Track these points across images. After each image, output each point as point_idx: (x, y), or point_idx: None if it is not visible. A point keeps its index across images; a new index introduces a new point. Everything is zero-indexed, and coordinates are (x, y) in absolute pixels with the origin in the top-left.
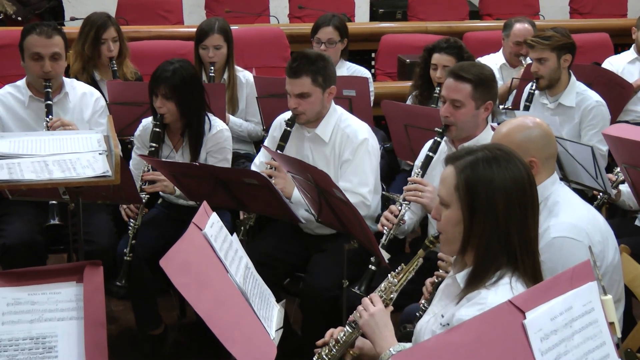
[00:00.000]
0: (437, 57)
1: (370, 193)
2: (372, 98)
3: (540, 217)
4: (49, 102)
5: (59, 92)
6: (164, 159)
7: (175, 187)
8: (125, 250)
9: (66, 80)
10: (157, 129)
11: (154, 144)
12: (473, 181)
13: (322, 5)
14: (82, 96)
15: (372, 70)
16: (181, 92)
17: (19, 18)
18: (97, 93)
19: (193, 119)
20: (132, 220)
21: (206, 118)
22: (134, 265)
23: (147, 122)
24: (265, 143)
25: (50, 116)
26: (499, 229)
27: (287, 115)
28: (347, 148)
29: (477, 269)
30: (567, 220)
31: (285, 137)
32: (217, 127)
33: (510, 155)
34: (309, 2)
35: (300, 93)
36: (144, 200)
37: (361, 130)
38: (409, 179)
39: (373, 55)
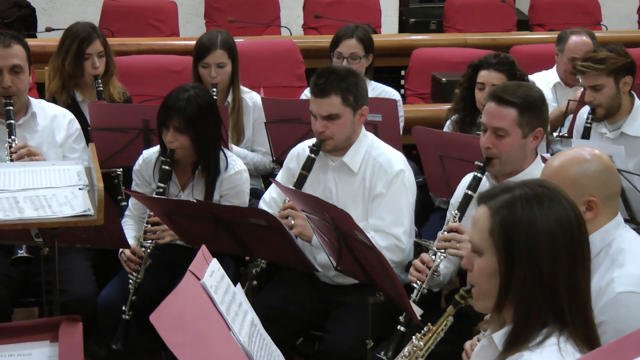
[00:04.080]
0: (484, 75)
1: (405, 234)
2: (401, 124)
3: (602, 268)
4: (10, 121)
5: (25, 113)
6: (158, 196)
7: None
8: (123, 309)
9: (33, 100)
10: (167, 167)
11: (162, 185)
12: (510, 224)
13: (342, 14)
14: (52, 118)
15: (402, 91)
16: (197, 124)
17: None
18: (70, 115)
19: (209, 154)
20: (133, 274)
21: (221, 154)
22: (117, 320)
23: (150, 154)
24: (279, 176)
25: (12, 137)
26: (542, 280)
27: (308, 143)
28: (379, 180)
29: (518, 328)
30: (635, 271)
31: (308, 165)
32: (235, 168)
33: (554, 192)
34: (327, 10)
35: (328, 115)
36: (148, 250)
37: (396, 160)
38: (445, 227)
39: (402, 73)
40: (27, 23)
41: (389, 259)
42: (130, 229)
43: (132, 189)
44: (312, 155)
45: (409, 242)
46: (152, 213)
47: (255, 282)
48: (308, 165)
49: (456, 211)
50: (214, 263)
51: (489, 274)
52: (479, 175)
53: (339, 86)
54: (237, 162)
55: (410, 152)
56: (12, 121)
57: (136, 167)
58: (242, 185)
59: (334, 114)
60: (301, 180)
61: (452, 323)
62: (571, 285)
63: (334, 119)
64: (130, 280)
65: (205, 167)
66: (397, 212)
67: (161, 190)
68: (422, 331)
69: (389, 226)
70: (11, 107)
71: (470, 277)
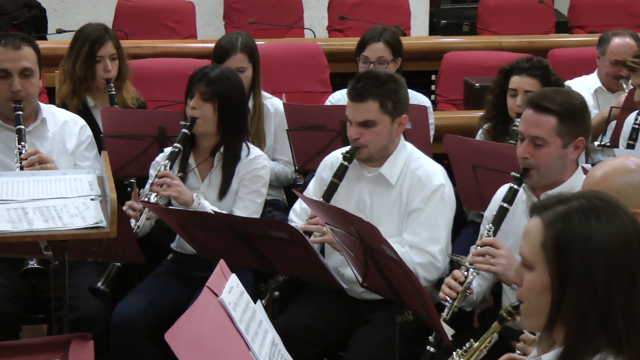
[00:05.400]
0: (516, 81)
1: (441, 253)
2: (431, 132)
3: None
4: (20, 126)
5: (34, 119)
6: (173, 207)
7: (194, 198)
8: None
9: (43, 105)
10: (186, 130)
11: (178, 145)
12: (565, 238)
13: (369, 16)
14: (63, 124)
15: (432, 97)
16: (224, 98)
17: None
18: (81, 121)
19: (231, 136)
20: (132, 221)
21: (243, 144)
22: (132, 338)
23: (169, 150)
24: (311, 186)
25: (22, 143)
26: (597, 299)
27: (342, 151)
28: (417, 194)
29: (570, 351)
30: None
31: (340, 173)
32: (256, 153)
33: (613, 206)
34: (353, 11)
35: (364, 121)
36: (152, 200)
37: (436, 174)
38: (478, 242)
39: (433, 77)
40: (37, 24)
41: (423, 277)
42: None
43: (147, 183)
44: (345, 163)
45: (445, 260)
46: (161, 168)
47: (276, 294)
48: (340, 173)
49: (490, 225)
50: (233, 278)
51: (540, 290)
52: (516, 186)
53: (377, 92)
54: (258, 150)
55: (441, 162)
56: (22, 126)
57: (155, 160)
58: (261, 170)
59: (370, 121)
60: (332, 188)
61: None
62: (628, 307)
63: (370, 126)
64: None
65: (227, 150)
66: (433, 229)
67: (176, 149)
68: (464, 347)
69: (424, 243)
70: (21, 112)
71: (519, 292)
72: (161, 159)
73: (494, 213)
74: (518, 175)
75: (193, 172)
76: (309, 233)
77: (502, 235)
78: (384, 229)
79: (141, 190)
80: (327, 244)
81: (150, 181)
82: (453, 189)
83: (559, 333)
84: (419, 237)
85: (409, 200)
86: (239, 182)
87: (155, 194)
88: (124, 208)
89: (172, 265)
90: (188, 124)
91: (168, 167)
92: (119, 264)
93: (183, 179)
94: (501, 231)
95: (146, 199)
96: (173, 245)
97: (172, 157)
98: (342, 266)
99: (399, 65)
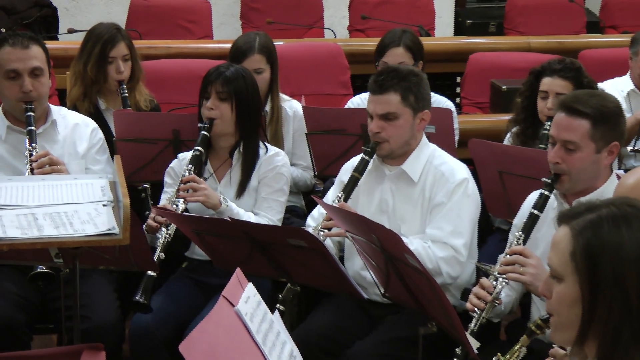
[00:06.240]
0: (548, 83)
1: (465, 247)
2: (456, 136)
3: None
4: (30, 127)
5: (44, 121)
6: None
7: (221, 201)
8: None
9: (53, 107)
10: (206, 133)
11: (199, 148)
12: (595, 247)
13: (391, 15)
14: (74, 127)
15: (457, 100)
16: (241, 96)
17: (2, 29)
18: (92, 123)
19: (249, 134)
20: (163, 230)
21: (260, 143)
22: (150, 348)
23: (185, 155)
24: (331, 191)
25: (33, 144)
26: (630, 312)
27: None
28: (440, 189)
29: None
30: None
31: (361, 168)
32: (274, 150)
33: None
34: (375, 10)
35: (385, 113)
36: (180, 207)
37: (459, 170)
38: (507, 250)
39: (458, 79)
40: (47, 24)
41: (446, 272)
42: None
43: (162, 192)
44: (366, 157)
45: (470, 263)
46: (185, 173)
47: (294, 303)
48: (361, 168)
49: (520, 232)
50: (250, 288)
51: (570, 303)
52: (547, 193)
53: (399, 84)
54: (276, 148)
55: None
56: (33, 128)
57: (170, 167)
58: (282, 167)
59: (392, 113)
60: (352, 183)
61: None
62: None
63: (391, 119)
64: (159, 236)
65: (246, 148)
66: (457, 222)
67: (197, 153)
68: None
69: (447, 236)
70: (32, 113)
71: (548, 305)
72: (176, 165)
73: (524, 220)
74: (549, 181)
75: (207, 170)
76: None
77: (532, 243)
78: (407, 228)
79: (168, 199)
80: (346, 247)
81: (165, 189)
82: (479, 193)
83: (591, 347)
84: (442, 231)
85: (431, 195)
86: (259, 180)
87: (183, 200)
88: (149, 222)
89: (187, 273)
90: (207, 125)
91: (192, 172)
92: (153, 273)
93: (201, 156)
94: (531, 239)
95: (174, 207)
96: (187, 253)
97: (195, 161)
98: (363, 270)
99: (420, 68)
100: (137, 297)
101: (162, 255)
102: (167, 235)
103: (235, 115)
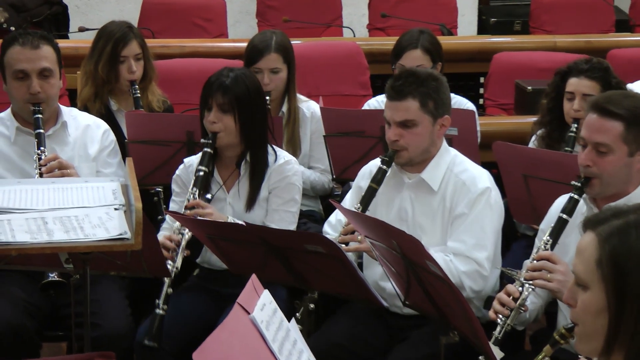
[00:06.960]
0: (574, 83)
1: (488, 261)
2: (479, 138)
3: None
4: (39, 130)
5: (54, 123)
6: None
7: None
8: (157, 302)
9: (63, 108)
10: (209, 149)
11: (203, 168)
12: (622, 254)
13: (412, 13)
14: (85, 128)
15: (480, 101)
16: (243, 105)
17: (12, 28)
18: (104, 125)
19: (256, 143)
20: (170, 263)
21: (269, 148)
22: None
23: (191, 160)
24: (348, 197)
25: (42, 148)
26: None
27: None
28: (462, 199)
29: None
30: None
31: (379, 178)
32: (284, 158)
33: None
34: (395, 8)
35: (403, 120)
36: (186, 236)
37: (481, 178)
38: (534, 255)
39: (482, 80)
40: (58, 22)
41: (469, 287)
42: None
43: (171, 200)
44: (384, 167)
45: (493, 272)
46: (190, 197)
47: (311, 310)
48: (379, 178)
49: (548, 237)
50: (266, 295)
51: (596, 312)
52: (576, 197)
53: (417, 90)
54: (286, 154)
55: (490, 171)
56: (41, 130)
57: (176, 174)
58: (293, 176)
59: (410, 120)
60: (370, 194)
61: None
62: None
63: (409, 126)
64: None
65: (253, 157)
66: (480, 235)
67: (202, 173)
68: None
69: (470, 250)
70: (40, 116)
71: (573, 314)
72: (182, 172)
73: (551, 225)
74: (579, 184)
75: (215, 181)
76: (345, 243)
77: (560, 249)
78: (427, 238)
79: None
80: (365, 255)
81: (173, 197)
82: (502, 199)
83: (618, 358)
84: (464, 244)
85: (452, 205)
86: (269, 190)
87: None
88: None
89: (198, 282)
90: (209, 141)
91: (197, 195)
92: (162, 312)
93: (208, 175)
94: (559, 245)
95: (180, 235)
96: (199, 260)
97: (200, 184)
98: (382, 280)
99: (439, 69)
100: (146, 341)
101: (170, 290)
102: (175, 268)
103: (239, 125)
